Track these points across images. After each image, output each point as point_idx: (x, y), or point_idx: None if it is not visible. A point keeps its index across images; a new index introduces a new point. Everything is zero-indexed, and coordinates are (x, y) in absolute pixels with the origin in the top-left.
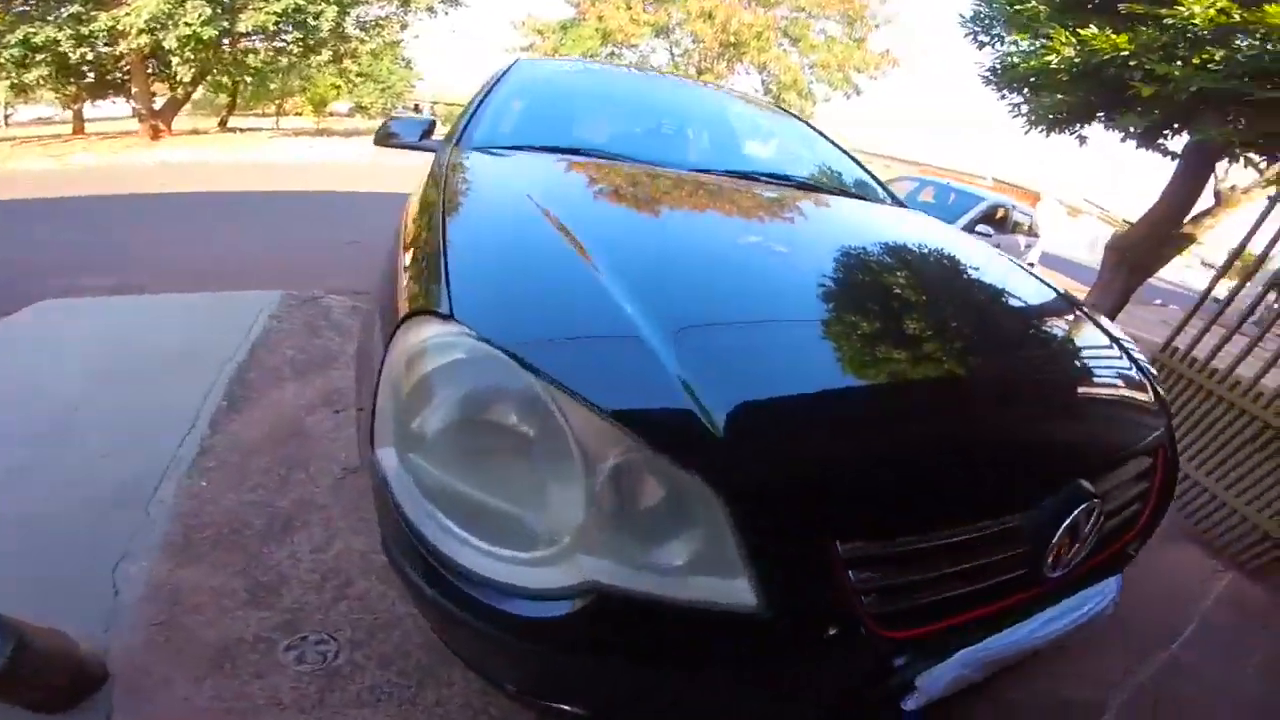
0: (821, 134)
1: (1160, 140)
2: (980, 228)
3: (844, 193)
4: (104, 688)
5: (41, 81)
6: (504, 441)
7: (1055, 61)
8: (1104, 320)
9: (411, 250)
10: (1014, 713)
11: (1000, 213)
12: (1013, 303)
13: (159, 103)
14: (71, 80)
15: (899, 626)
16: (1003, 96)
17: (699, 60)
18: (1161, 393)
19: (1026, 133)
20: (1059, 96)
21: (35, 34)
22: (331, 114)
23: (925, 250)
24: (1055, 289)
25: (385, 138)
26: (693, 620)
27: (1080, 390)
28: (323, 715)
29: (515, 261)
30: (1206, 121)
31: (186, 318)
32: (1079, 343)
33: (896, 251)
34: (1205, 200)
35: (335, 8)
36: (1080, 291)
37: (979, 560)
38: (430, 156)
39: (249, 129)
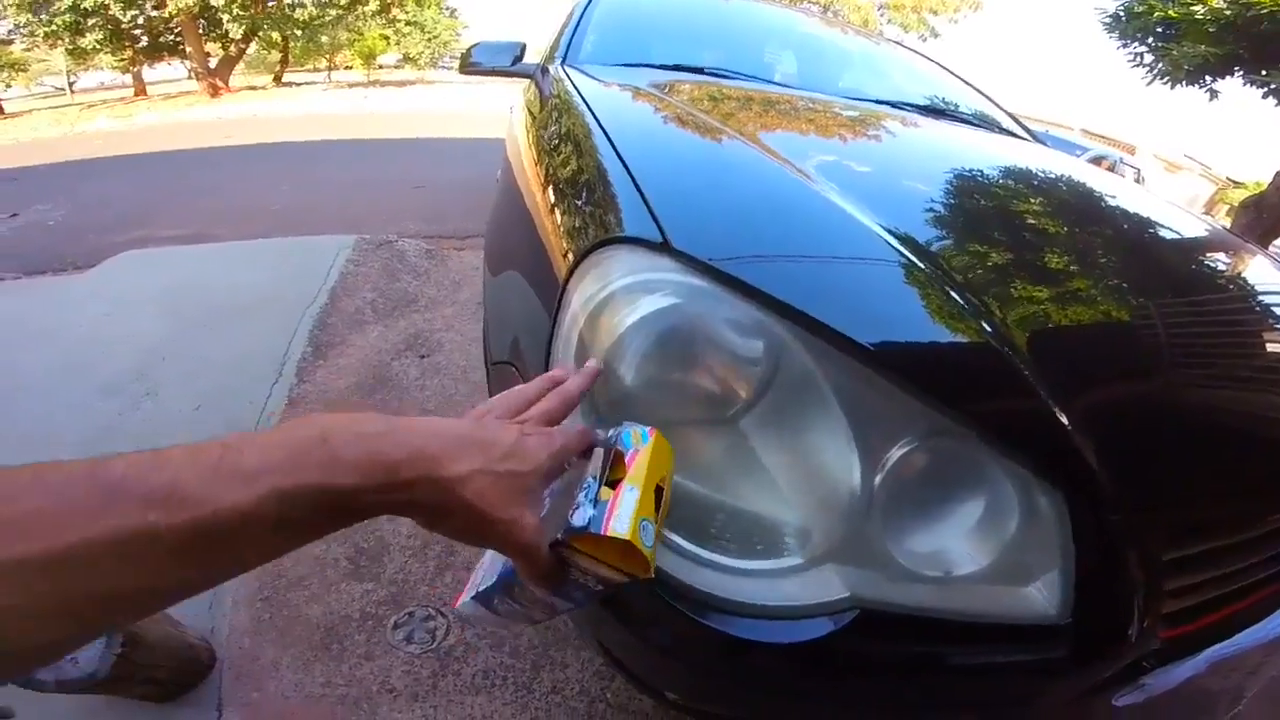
0: (948, 69)
1: None
2: None
3: (1006, 132)
4: (212, 674)
5: (97, 46)
6: (740, 421)
7: (1201, 12)
8: None
9: (562, 187)
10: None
11: (1105, 164)
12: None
13: (213, 63)
14: (126, 44)
15: (1179, 625)
16: (1124, 45)
17: None
18: None
19: (1149, 84)
20: (1201, 47)
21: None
22: (380, 66)
23: (1151, 215)
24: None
25: (471, 66)
26: (985, 633)
27: None
28: (438, 703)
29: (729, 183)
30: None
31: (264, 263)
32: None
33: (1146, 221)
34: None
35: None
36: None
37: (1262, 553)
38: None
39: (303, 84)
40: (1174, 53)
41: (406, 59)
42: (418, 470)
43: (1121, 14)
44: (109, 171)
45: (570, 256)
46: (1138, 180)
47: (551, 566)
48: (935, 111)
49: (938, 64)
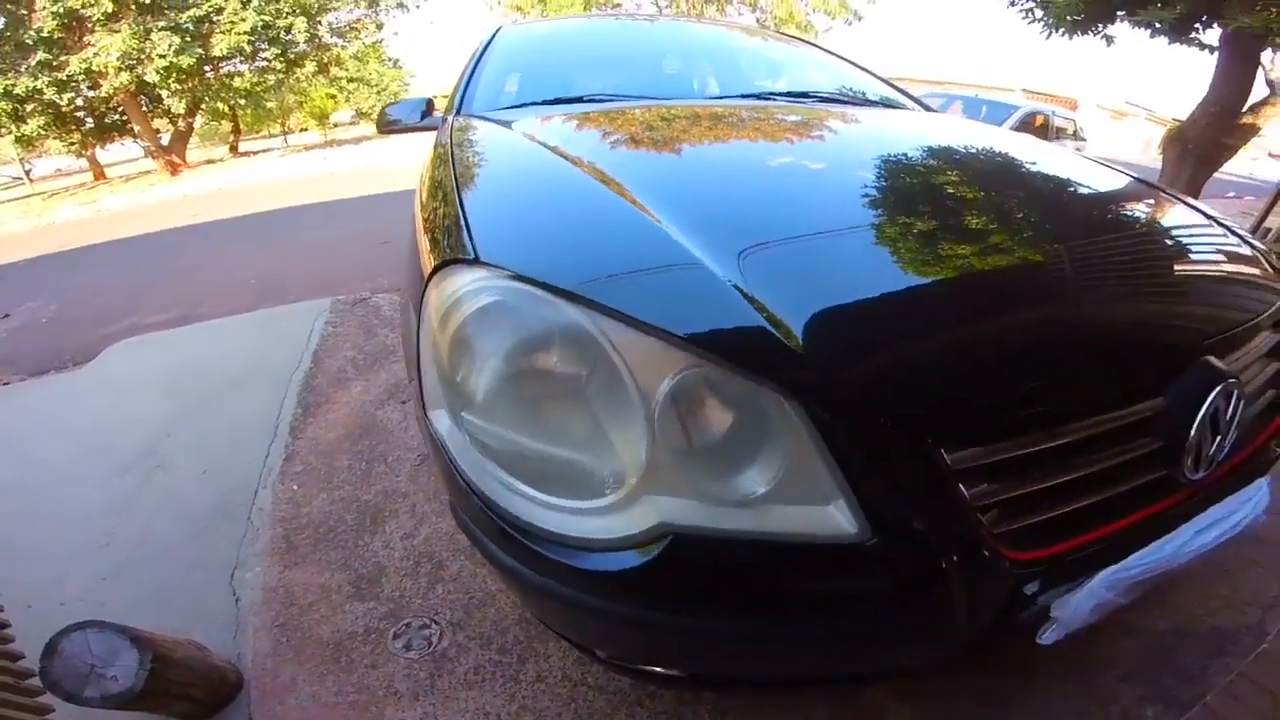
0: (832, 53)
1: (1193, 34)
2: None
3: (871, 104)
4: (241, 693)
5: (42, 132)
6: (553, 383)
7: None
8: (1192, 200)
9: (428, 221)
10: (1161, 644)
11: (1039, 120)
12: (1090, 188)
13: (165, 139)
14: (72, 127)
15: (1027, 547)
16: (1012, 3)
17: (687, 8)
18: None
19: (1047, 37)
20: None
21: (13, 85)
22: (335, 125)
23: (977, 147)
24: (1130, 175)
25: (387, 125)
26: (785, 557)
27: (1187, 264)
28: (436, 700)
29: (542, 204)
30: (1235, 9)
31: (249, 336)
32: (1173, 220)
33: (948, 151)
34: (1259, 92)
35: (303, 19)
36: None
37: (1109, 461)
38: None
39: (260, 151)
40: (1054, 3)
41: (360, 114)
42: None
43: None
44: (88, 262)
45: (425, 274)
46: (1075, 133)
47: None
48: (797, 95)
49: (824, 50)
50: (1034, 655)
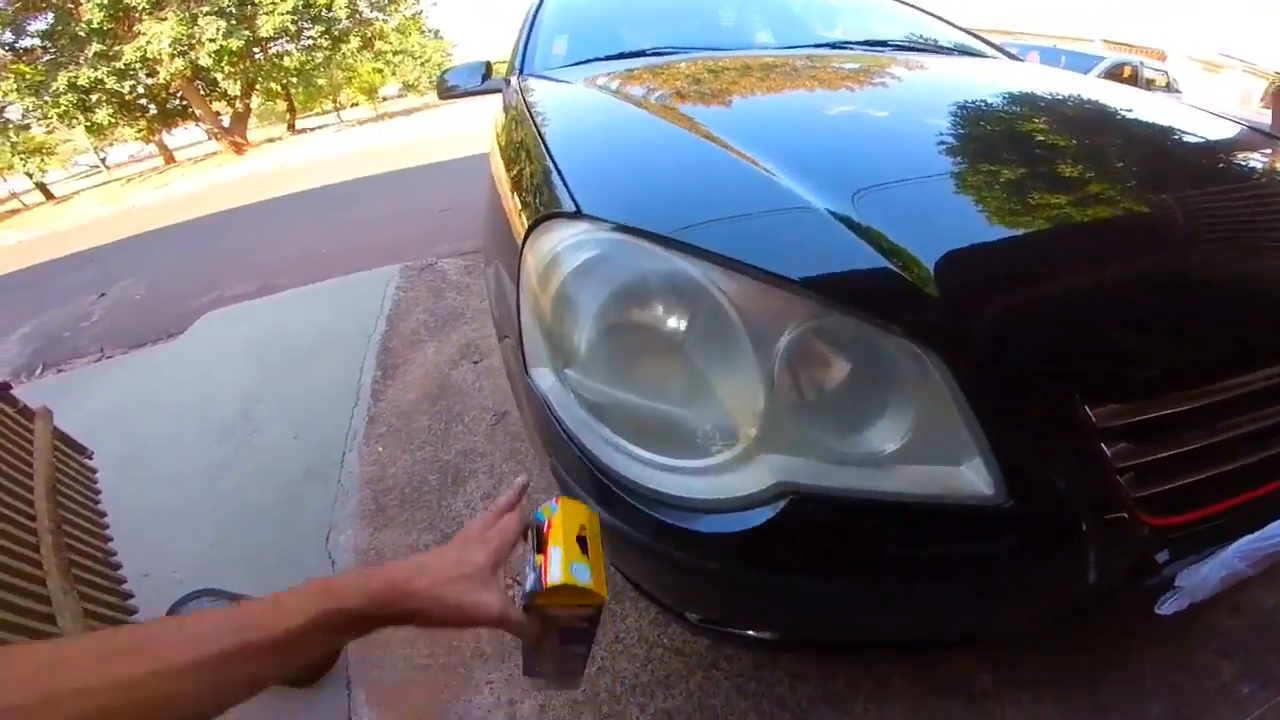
0: (900, 1)
1: None
2: None
3: (951, 52)
4: (340, 659)
5: (110, 120)
6: (661, 337)
7: None
8: None
9: (515, 182)
10: (1268, 622)
11: (1127, 70)
12: (1211, 138)
13: (225, 120)
14: (137, 114)
15: (1166, 512)
16: None
17: None
18: None
19: None
20: None
21: (76, 76)
22: (385, 99)
23: (1082, 96)
24: (1242, 121)
25: (447, 90)
26: (914, 519)
27: None
28: (519, 661)
29: (636, 155)
30: None
31: (326, 304)
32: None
33: (1055, 98)
34: None
35: None
36: None
37: (1253, 425)
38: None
39: (316, 128)
40: None
41: (407, 86)
42: (395, 592)
43: None
44: (169, 241)
45: (520, 233)
46: (1168, 85)
47: (537, 626)
48: (872, 44)
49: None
50: (1130, 624)
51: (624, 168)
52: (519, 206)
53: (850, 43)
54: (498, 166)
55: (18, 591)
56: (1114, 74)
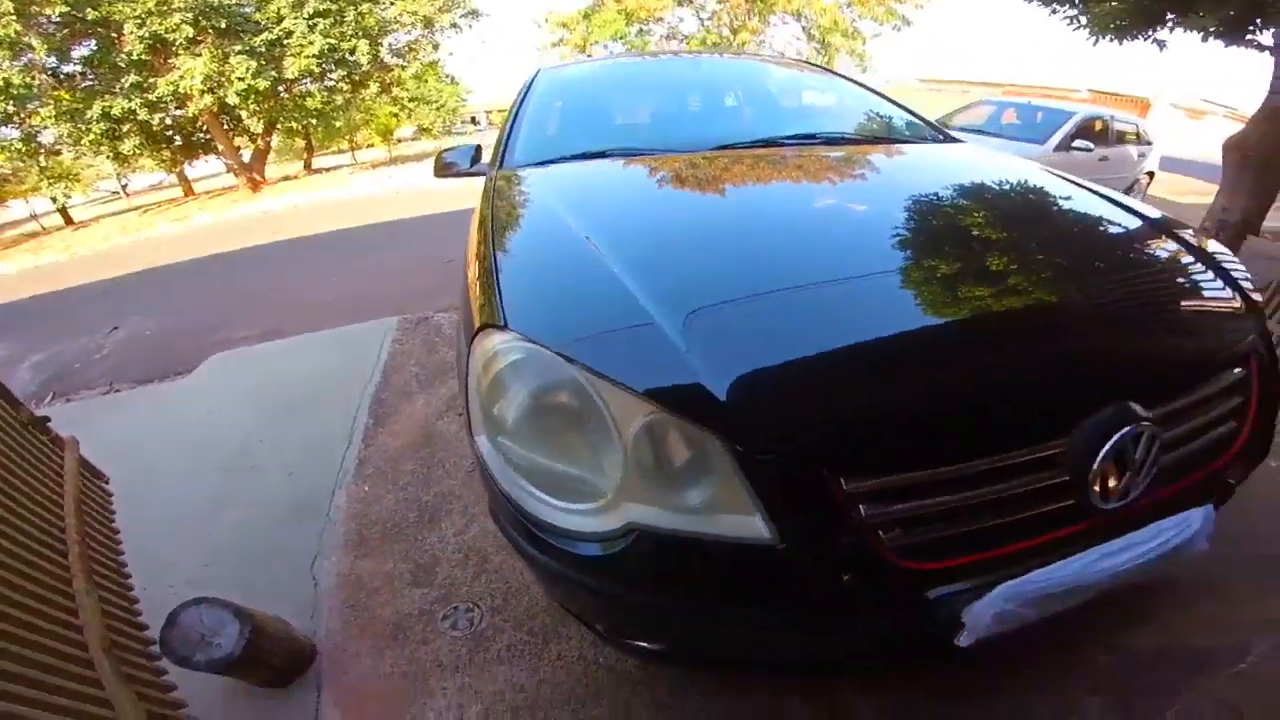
0: (856, 82)
1: (1249, 35)
2: (1079, 143)
3: (872, 142)
4: (314, 664)
5: (137, 150)
6: (561, 419)
7: None
8: (1172, 226)
9: (475, 268)
10: (1139, 661)
11: (1098, 125)
12: (1048, 218)
13: (245, 155)
14: (163, 146)
15: (923, 558)
16: (1054, 11)
17: (729, 20)
18: (1257, 298)
19: (1095, 44)
20: (1112, 4)
21: (110, 106)
22: (399, 140)
23: (941, 190)
24: (1115, 199)
25: (444, 168)
26: (722, 553)
27: (1126, 302)
28: (473, 672)
29: (550, 271)
30: (1274, 11)
31: (327, 352)
32: (1130, 252)
33: (889, 191)
34: None
35: (366, 41)
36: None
37: (1006, 491)
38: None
39: (331, 167)
40: (1094, 11)
41: (421, 130)
42: None
43: None
44: (182, 277)
45: (474, 330)
46: (1138, 136)
47: None
48: (798, 138)
49: (840, 76)
50: (1007, 664)
51: (540, 286)
52: (475, 300)
53: (782, 139)
54: (470, 240)
55: (50, 589)
56: (1085, 128)
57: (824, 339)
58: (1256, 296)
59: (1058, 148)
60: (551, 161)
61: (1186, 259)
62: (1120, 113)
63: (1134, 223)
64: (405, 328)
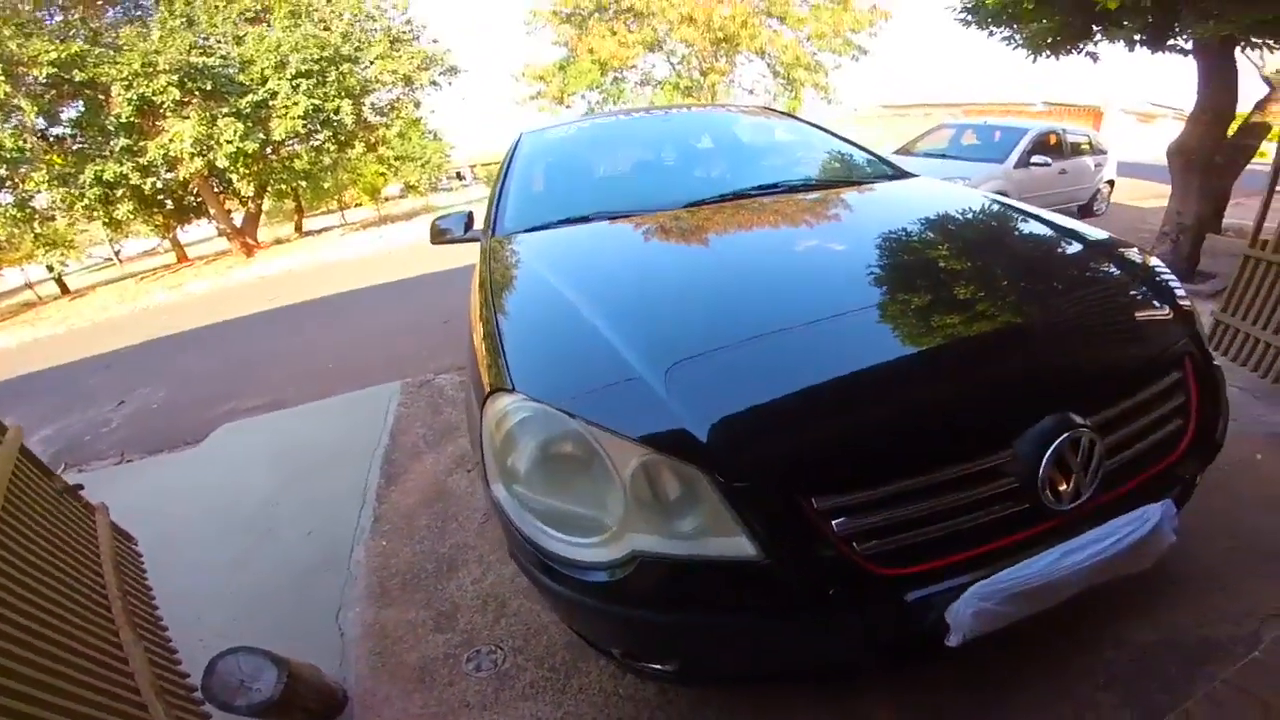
0: (807, 123)
1: (1171, 41)
2: (1036, 158)
3: (826, 185)
4: (346, 709)
5: (130, 215)
6: (567, 466)
7: None
8: (1105, 244)
9: (479, 331)
10: (1146, 655)
11: (1052, 138)
12: (990, 245)
13: (237, 219)
14: (154, 210)
15: (897, 564)
16: (990, 33)
17: (699, 64)
18: (1185, 305)
19: (1033, 61)
20: (1041, 23)
21: (103, 170)
22: (386, 199)
23: (887, 222)
24: (1051, 221)
25: (439, 235)
26: (716, 570)
27: (1061, 320)
28: (500, 709)
29: (548, 335)
30: (1188, 19)
31: (335, 418)
32: (1065, 272)
33: (846, 233)
34: (1259, 91)
35: (349, 101)
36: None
37: (965, 499)
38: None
39: (322, 229)
40: (1027, 31)
41: (408, 187)
42: None
43: (968, 5)
44: (184, 348)
45: (485, 392)
46: (1091, 145)
47: None
48: (765, 188)
49: (796, 119)
50: (1014, 664)
51: (540, 349)
52: (483, 364)
53: (745, 191)
54: (471, 305)
55: (102, 639)
56: (1041, 142)
57: (787, 378)
58: (1186, 304)
59: (1017, 164)
60: (539, 228)
61: (1117, 275)
62: (1072, 125)
63: (1069, 243)
64: (409, 391)
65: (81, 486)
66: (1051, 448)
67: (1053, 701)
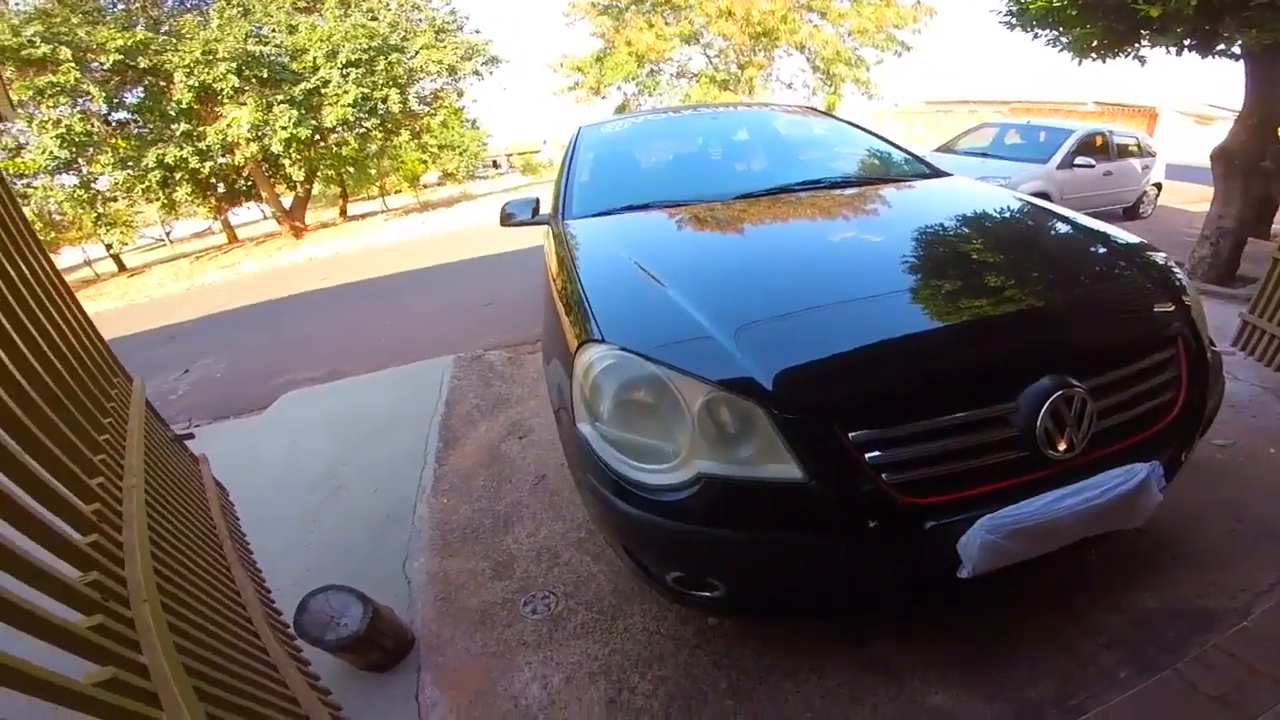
0: (849, 123)
1: (1220, 47)
2: (1080, 160)
3: (867, 182)
4: (413, 649)
5: (188, 198)
6: (644, 403)
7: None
8: (1121, 234)
9: (561, 298)
10: (1148, 620)
11: (1099, 140)
12: (1016, 238)
13: (286, 202)
14: (209, 193)
15: (918, 494)
16: (1035, 36)
17: (736, 57)
18: (1186, 299)
19: (1079, 64)
20: (1084, 28)
21: (164, 154)
22: (425, 185)
23: (921, 220)
24: (1069, 218)
25: (507, 218)
26: (767, 490)
27: (1070, 302)
28: (554, 647)
29: (627, 301)
30: (1228, 26)
31: (391, 389)
32: (1080, 263)
33: (886, 225)
34: None
35: (396, 90)
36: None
37: (973, 441)
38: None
39: (365, 214)
40: (1071, 35)
41: (446, 175)
42: None
43: (1012, 9)
44: (242, 323)
45: (572, 347)
46: (1140, 148)
47: None
48: (807, 183)
49: (837, 119)
50: (1022, 620)
51: (623, 308)
52: (570, 324)
53: (791, 186)
54: (550, 288)
55: (219, 573)
56: (1087, 143)
57: (834, 340)
58: (1187, 298)
59: (1060, 165)
60: (606, 213)
61: (1125, 268)
62: (1121, 127)
63: (1086, 239)
64: (461, 365)
65: (192, 435)
66: (1048, 403)
67: (1057, 656)
